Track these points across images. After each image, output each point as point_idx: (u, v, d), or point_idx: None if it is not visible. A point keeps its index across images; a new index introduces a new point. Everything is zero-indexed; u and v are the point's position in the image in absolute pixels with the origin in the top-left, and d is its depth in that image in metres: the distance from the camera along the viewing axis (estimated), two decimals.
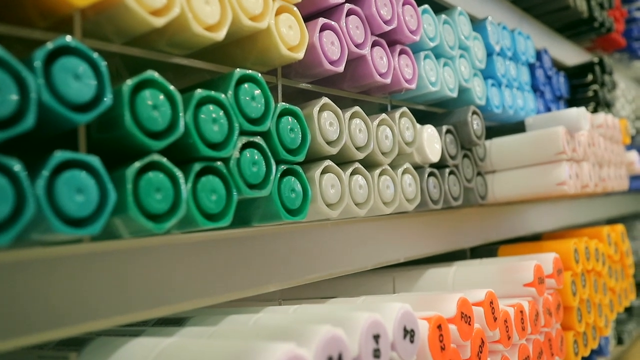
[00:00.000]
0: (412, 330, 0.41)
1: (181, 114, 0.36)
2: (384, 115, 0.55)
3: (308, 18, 0.50)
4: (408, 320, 0.41)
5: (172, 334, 0.42)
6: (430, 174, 0.63)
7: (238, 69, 0.42)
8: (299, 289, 0.53)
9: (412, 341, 0.40)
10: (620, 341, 1.22)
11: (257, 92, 0.43)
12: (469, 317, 0.50)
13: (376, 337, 0.37)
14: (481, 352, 0.51)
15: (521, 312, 0.59)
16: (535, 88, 0.95)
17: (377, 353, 0.37)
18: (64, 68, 0.31)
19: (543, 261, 0.67)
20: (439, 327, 0.45)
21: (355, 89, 0.59)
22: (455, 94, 0.68)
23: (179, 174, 0.36)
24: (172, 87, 0.36)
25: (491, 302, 0.54)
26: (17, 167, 0.28)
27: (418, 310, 0.45)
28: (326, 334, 0.32)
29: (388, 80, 0.57)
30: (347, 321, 0.36)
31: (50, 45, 0.31)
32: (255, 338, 0.35)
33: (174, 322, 0.48)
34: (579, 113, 0.78)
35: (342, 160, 0.52)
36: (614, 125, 1.00)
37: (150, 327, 0.47)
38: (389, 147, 0.55)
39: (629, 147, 1.33)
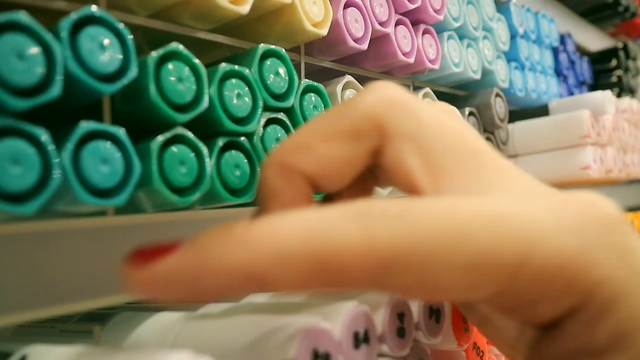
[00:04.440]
0: (438, 310, 0.40)
1: (206, 87, 0.36)
2: None
3: None
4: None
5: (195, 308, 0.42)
6: None
7: (262, 44, 0.41)
8: None
9: (437, 321, 0.40)
10: None
11: (281, 68, 0.42)
12: None
13: (400, 316, 0.36)
14: None
15: None
16: (558, 72, 0.93)
17: (401, 332, 0.36)
18: (90, 37, 0.30)
19: None
20: None
21: (377, 68, 0.58)
22: (478, 76, 0.67)
23: (203, 147, 0.35)
24: (196, 60, 0.36)
25: None
26: (44, 136, 0.28)
27: None
28: (353, 309, 0.32)
29: (411, 60, 0.56)
30: (371, 300, 0.36)
31: (76, 15, 0.30)
32: (283, 313, 0.35)
33: None
34: (604, 96, 0.76)
35: None
36: (639, 110, 0.98)
37: None
38: None
39: None
